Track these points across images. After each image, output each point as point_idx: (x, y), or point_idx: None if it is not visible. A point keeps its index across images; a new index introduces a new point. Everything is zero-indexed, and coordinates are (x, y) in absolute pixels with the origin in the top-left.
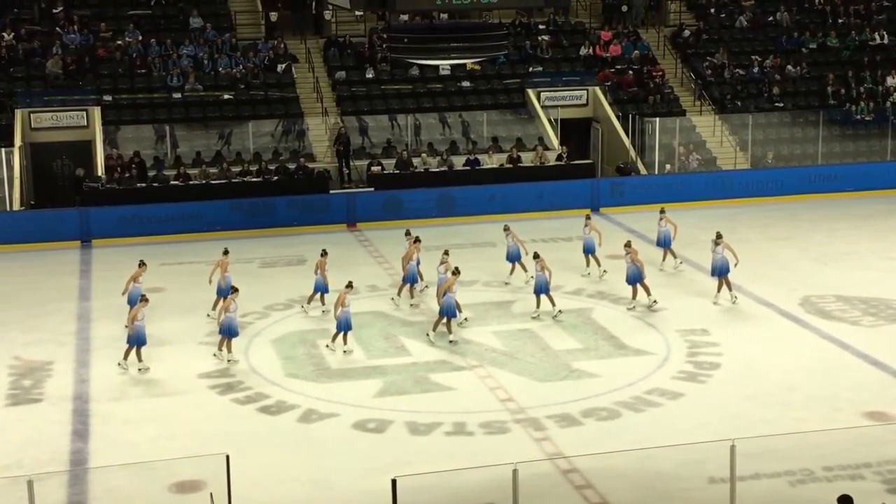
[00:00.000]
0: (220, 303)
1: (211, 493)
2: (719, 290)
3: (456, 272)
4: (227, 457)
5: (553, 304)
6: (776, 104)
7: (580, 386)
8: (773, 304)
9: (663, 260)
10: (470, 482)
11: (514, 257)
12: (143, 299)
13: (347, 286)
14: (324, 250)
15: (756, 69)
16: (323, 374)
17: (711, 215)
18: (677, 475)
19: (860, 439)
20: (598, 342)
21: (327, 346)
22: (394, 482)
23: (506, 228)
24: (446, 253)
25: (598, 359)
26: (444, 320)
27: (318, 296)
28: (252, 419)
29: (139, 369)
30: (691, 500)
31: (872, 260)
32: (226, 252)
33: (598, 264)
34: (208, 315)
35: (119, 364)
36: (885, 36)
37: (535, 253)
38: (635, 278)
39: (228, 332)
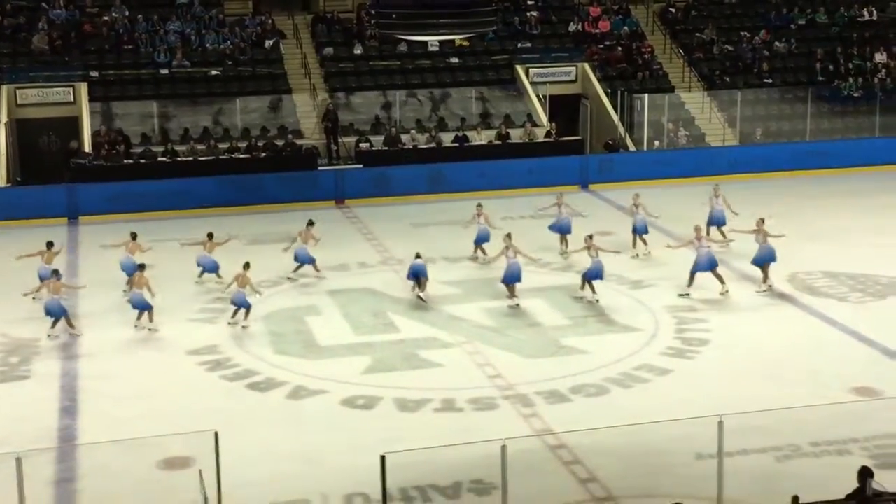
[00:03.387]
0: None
1: (200, 470)
2: (765, 279)
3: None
4: (216, 434)
5: (512, 297)
6: (765, 80)
7: (568, 362)
8: (760, 280)
9: (633, 246)
10: (459, 458)
11: (481, 240)
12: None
13: (245, 266)
14: (310, 220)
15: (745, 45)
16: (312, 351)
17: (699, 192)
18: (665, 451)
19: (846, 415)
20: (587, 318)
21: (229, 322)
22: (383, 459)
23: (478, 206)
24: (509, 236)
25: (586, 335)
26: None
27: (302, 267)
28: (241, 396)
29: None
30: (679, 475)
31: (860, 236)
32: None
33: (567, 245)
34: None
35: (137, 327)
36: (874, 12)
37: (508, 234)
38: (596, 274)
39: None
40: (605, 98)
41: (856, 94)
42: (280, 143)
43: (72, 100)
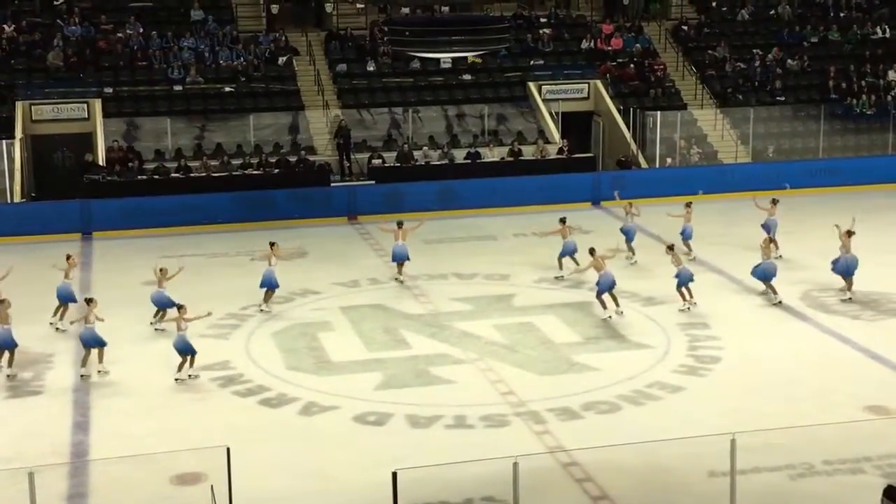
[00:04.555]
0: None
1: (211, 486)
2: (849, 287)
3: None
4: (228, 449)
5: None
6: (777, 98)
7: (581, 379)
8: None
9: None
10: (470, 475)
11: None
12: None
13: (179, 308)
14: (272, 242)
15: (757, 63)
16: (324, 367)
17: (712, 209)
18: (677, 468)
19: (860, 433)
20: (599, 336)
21: (176, 378)
22: (394, 475)
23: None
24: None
25: (598, 352)
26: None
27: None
28: (253, 412)
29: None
30: (691, 493)
31: (872, 254)
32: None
33: (577, 263)
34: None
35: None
36: (887, 30)
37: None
38: (609, 286)
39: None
40: (618, 115)
41: (869, 112)
42: (293, 159)
43: (86, 116)
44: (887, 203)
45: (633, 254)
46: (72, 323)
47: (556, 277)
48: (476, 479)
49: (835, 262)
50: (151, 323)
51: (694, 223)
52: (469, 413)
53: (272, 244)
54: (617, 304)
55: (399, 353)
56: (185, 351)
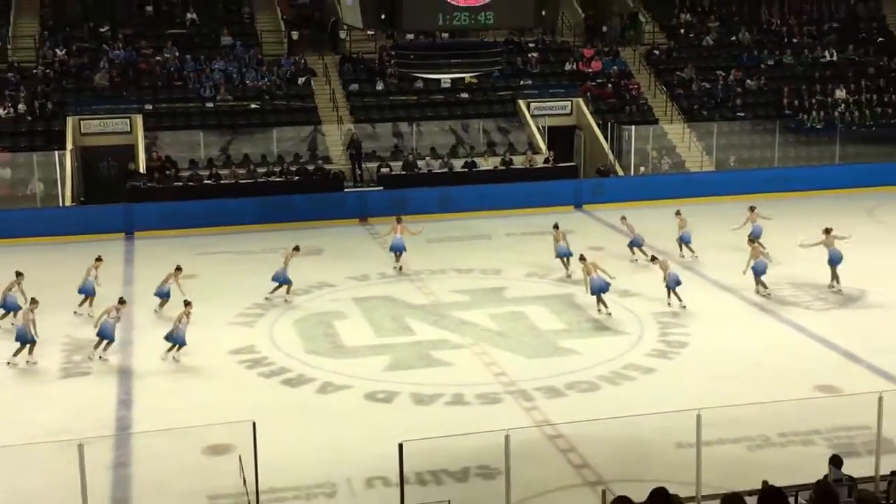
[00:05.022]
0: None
1: (239, 456)
2: (836, 279)
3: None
4: (254, 423)
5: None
6: (738, 114)
7: (564, 362)
8: (735, 290)
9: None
10: (467, 447)
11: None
12: (186, 304)
13: (120, 301)
14: (297, 246)
15: (720, 83)
16: (338, 351)
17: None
18: (650, 441)
19: (811, 409)
20: (581, 323)
21: (89, 357)
22: (400, 446)
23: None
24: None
25: (580, 338)
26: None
27: (281, 288)
28: (276, 390)
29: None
30: (662, 462)
31: (822, 252)
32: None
33: (566, 267)
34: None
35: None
36: (834, 54)
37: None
38: (599, 288)
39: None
40: (597, 129)
41: (818, 126)
42: (310, 167)
43: (128, 130)
44: (834, 207)
45: (647, 255)
46: (115, 318)
47: (568, 276)
48: (472, 450)
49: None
50: (155, 310)
51: (661, 224)
52: (466, 391)
53: (296, 248)
54: (604, 305)
55: (404, 339)
56: (176, 341)
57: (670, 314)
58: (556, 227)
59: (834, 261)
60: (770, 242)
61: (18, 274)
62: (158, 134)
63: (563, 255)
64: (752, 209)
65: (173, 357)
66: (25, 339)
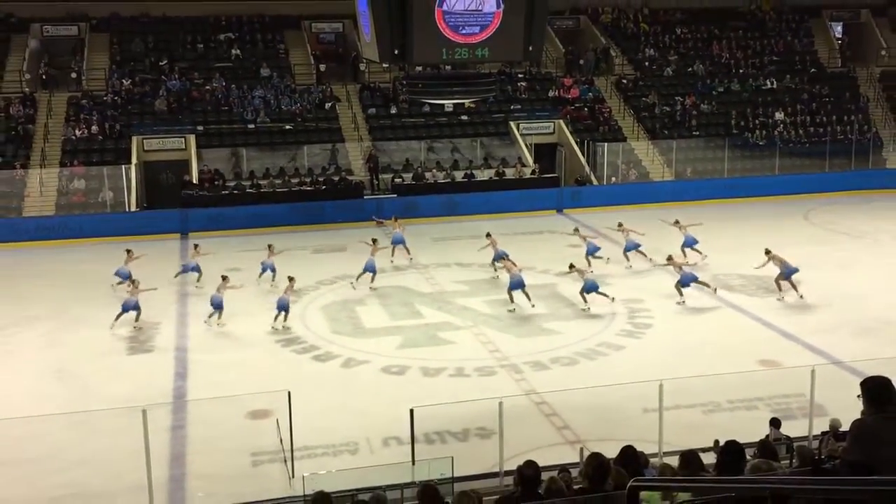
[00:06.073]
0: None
1: (277, 420)
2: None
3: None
4: (289, 392)
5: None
6: (693, 133)
7: (548, 340)
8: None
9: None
10: (467, 411)
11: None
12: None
13: (290, 279)
14: (374, 238)
15: (679, 107)
16: (359, 332)
17: (644, 216)
18: (620, 406)
19: (754, 380)
20: (562, 309)
21: (272, 326)
22: (411, 412)
23: (488, 235)
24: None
25: (561, 321)
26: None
27: (367, 275)
28: (307, 365)
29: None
30: (630, 425)
31: (764, 248)
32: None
33: (589, 264)
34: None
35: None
36: (774, 82)
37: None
38: (591, 288)
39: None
40: (575, 146)
41: (761, 143)
42: (336, 178)
43: (183, 147)
44: (774, 210)
45: (648, 257)
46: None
47: (590, 272)
48: (472, 415)
49: (786, 273)
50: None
51: (636, 230)
52: (466, 366)
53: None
54: (586, 302)
55: (414, 322)
56: (217, 306)
57: (636, 300)
58: (488, 235)
59: (787, 274)
60: (723, 237)
61: (196, 245)
62: (208, 151)
63: (499, 258)
64: (677, 223)
65: (216, 323)
66: (220, 306)
